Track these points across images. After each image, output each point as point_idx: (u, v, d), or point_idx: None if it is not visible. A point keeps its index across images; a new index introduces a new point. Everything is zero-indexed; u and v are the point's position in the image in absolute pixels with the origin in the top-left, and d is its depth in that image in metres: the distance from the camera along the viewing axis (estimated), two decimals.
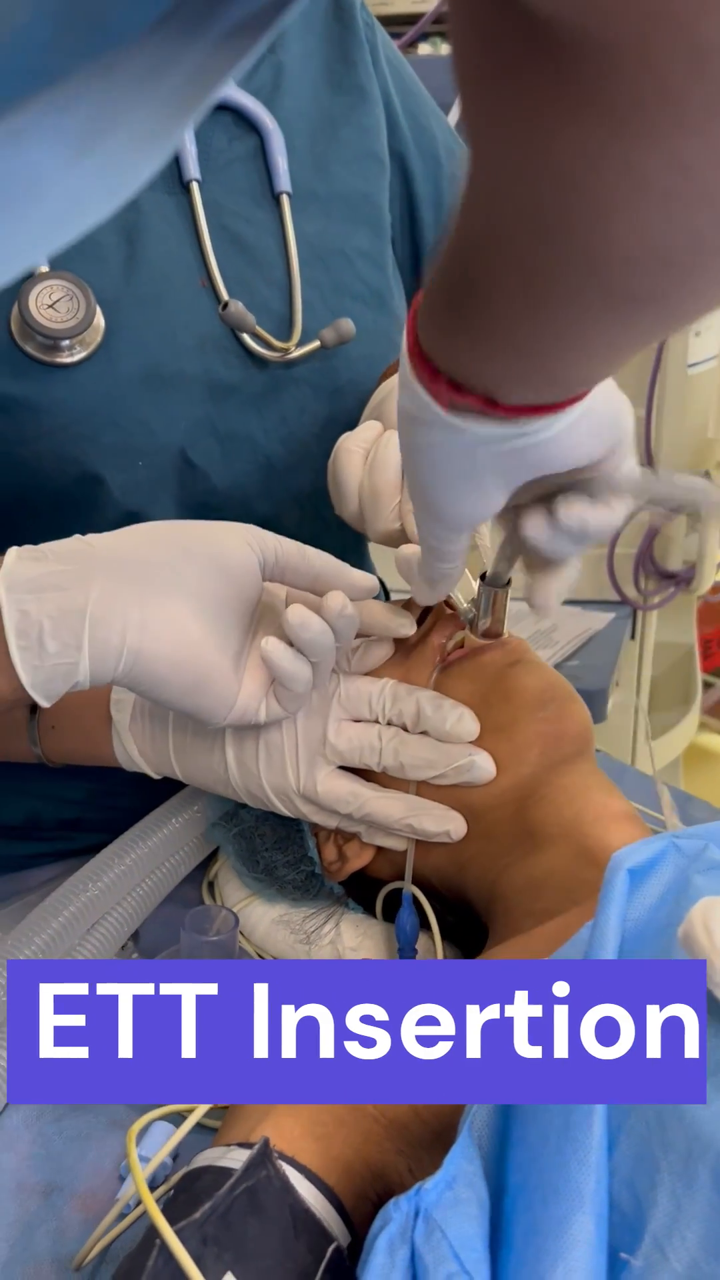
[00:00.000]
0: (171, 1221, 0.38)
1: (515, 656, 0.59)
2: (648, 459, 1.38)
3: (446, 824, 0.57)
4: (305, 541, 0.57)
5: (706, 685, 2.01)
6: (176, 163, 0.71)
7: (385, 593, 0.89)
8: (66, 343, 0.63)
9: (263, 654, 0.53)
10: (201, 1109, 0.45)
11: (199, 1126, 0.53)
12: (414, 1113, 0.45)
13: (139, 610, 0.50)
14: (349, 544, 0.85)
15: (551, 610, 0.53)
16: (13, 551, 0.51)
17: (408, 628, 0.58)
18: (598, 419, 0.42)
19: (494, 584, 0.56)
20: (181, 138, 0.60)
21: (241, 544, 0.54)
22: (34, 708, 0.63)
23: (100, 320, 0.65)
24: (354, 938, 0.62)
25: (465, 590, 0.60)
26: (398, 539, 0.62)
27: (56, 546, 0.51)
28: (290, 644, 0.53)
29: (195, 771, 0.61)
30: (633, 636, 1.43)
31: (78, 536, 0.52)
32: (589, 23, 0.22)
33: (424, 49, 1.39)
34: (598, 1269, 0.33)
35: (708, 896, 0.37)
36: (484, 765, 0.56)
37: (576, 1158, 0.35)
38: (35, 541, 0.69)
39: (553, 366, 0.36)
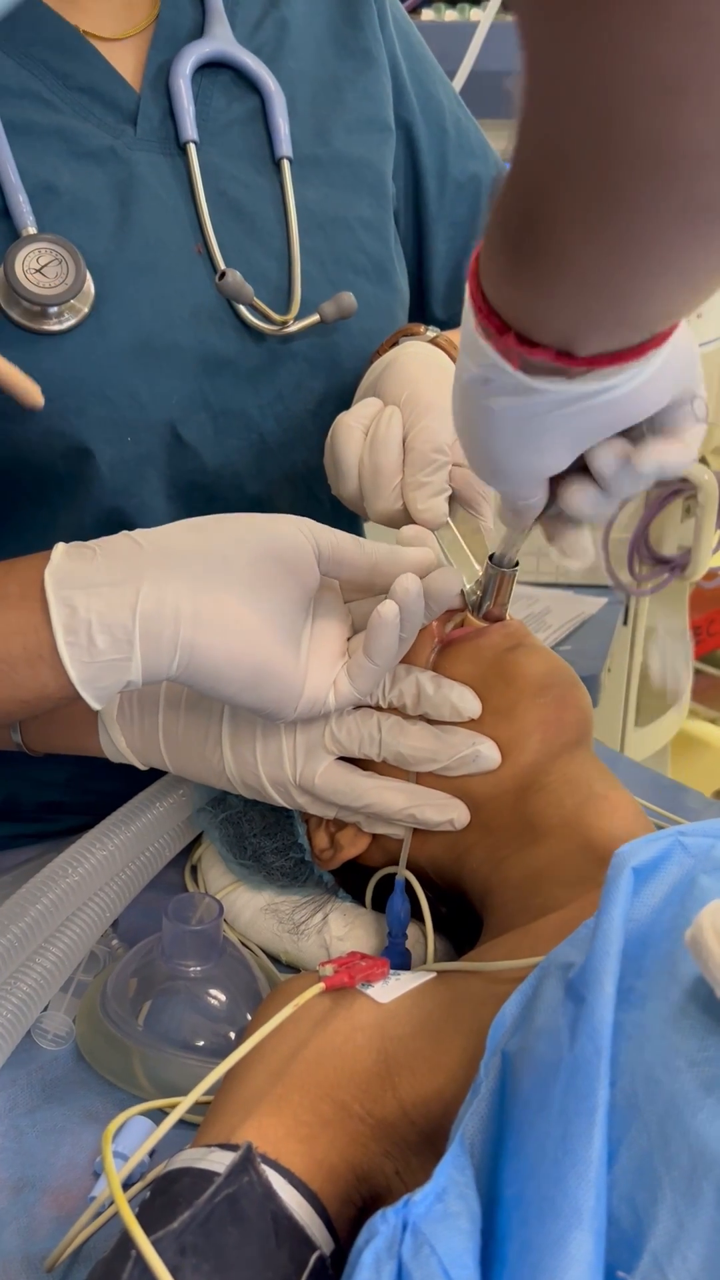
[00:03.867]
0: (148, 1227, 0.37)
1: (516, 640, 0.57)
2: None
3: (450, 813, 0.55)
4: None
5: (696, 672, 1.99)
6: (173, 121, 0.69)
7: None
8: (55, 309, 0.61)
9: (377, 616, 0.51)
10: (182, 1106, 0.43)
11: (180, 1123, 0.51)
12: (402, 1113, 0.43)
13: (191, 603, 0.48)
14: (344, 526, 0.83)
15: (591, 555, 0.50)
16: (60, 547, 0.49)
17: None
18: (678, 362, 0.38)
19: (501, 564, 0.55)
20: None
21: (295, 533, 0.52)
22: None
23: (90, 286, 0.62)
24: (341, 927, 0.61)
25: (468, 572, 0.58)
26: (399, 519, 0.60)
27: (104, 542, 0.50)
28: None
29: (187, 763, 0.59)
30: (625, 622, 1.41)
31: (125, 533, 0.51)
32: None
33: (427, 14, 1.35)
34: None
35: (717, 900, 0.35)
36: (489, 754, 0.54)
37: (575, 1172, 0.33)
38: (23, 521, 0.66)
39: (629, 302, 0.32)
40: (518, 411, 0.38)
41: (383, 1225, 0.34)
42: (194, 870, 0.70)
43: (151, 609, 0.47)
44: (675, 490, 1.38)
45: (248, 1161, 0.38)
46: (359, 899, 0.62)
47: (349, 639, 0.55)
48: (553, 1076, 0.36)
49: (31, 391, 0.52)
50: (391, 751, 0.55)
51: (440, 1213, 0.35)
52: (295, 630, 0.52)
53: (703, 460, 1.45)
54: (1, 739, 0.64)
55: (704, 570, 1.44)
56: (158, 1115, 0.49)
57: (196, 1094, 0.43)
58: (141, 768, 0.61)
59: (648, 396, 0.38)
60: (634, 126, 0.24)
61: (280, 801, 0.57)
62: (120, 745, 0.60)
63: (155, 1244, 0.35)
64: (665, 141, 0.24)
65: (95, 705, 0.49)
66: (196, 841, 0.70)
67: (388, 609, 0.50)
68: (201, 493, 0.69)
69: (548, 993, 0.40)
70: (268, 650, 0.50)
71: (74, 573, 0.48)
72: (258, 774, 0.57)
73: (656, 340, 0.36)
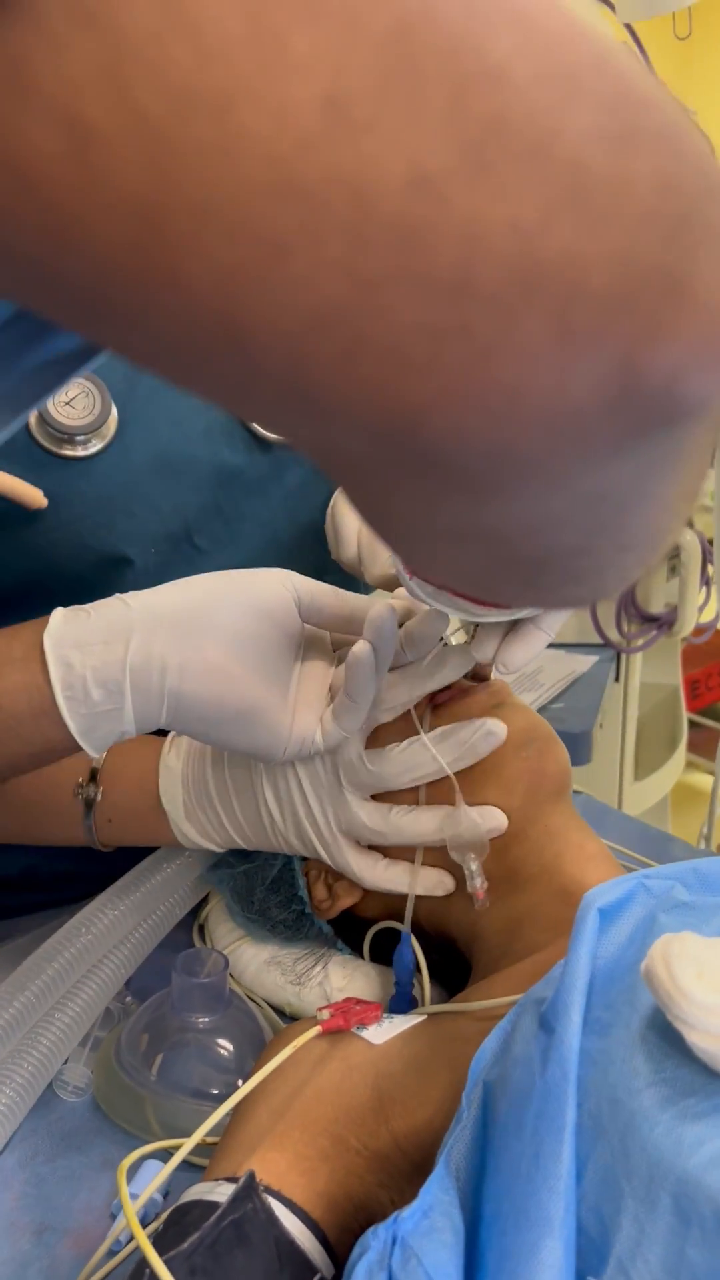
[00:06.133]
0: (161, 1254, 0.40)
1: (499, 699, 0.61)
2: None
3: (489, 821, 0.57)
4: None
5: (694, 725, 2.03)
6: None
7: None
8: (82, 438, 0.66)
9: (352, 656, 0.55)
10: (190, 1142, 0.46)
11: (188, 1164, 0.55)
12: (395, 1145, 0.46)
13: (177, 655, 0.52)
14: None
15: (514, 669, 0.55)
16: (58, 611, 0.54)
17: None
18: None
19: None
20: None
21: (276, 584, 0.56)
22: (88, 803, 0.65)
23: (115, 413, 0.67)
24: (341, 979, 0.64)
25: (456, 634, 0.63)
26: (395, 583, 0.64)
27: (97, 605, 0.54)
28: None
29: (252, 835, 0.63)
30: (616, 679, 1.46)
31: (117, 596, 0.55)
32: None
33: None
34: None
35: (668, 935, 0.39)
36: (497, 729, 0.57)
37: (546, 1186, 0.37)
38: None
39: (426, 565, 0.38)
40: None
41: (374, 1240, 0.38)
42: (201, 929, 0.73)
43: (139, 662, 0.52)
44: None
45: (251, 1189, 0.42)
46: (357, 950, 0.66)
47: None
48: (526, 1101, 0.40)
49: (33, 496, 0.57)
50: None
51: (426, 1228, 0.38)
52: (282, 675, 0.56)
53: (688, 522, 1.51)
54: (74, 838, 0.67)
55: (691, 627, 1.49)
56: (167, 1157, 0.53)
57: (203, 1131, 0.47)
58: (221, 849, 0.65)
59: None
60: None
61: (321, 851, 0.61)
62: (196, 838, 0.64)
63: (167, 1264, 0.38)
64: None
65: (94, 754, 0.53)
66: (203, 903, 0.73)
67: (360, 648, 0.55)
68: None
69: (524, 1026, 0.44)
70: (252, 694, 0.54)
71: (70, 633, 0.52)
72: (301, 827, 0.61)
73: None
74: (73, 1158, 0.57)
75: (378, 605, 0.57)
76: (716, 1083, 0.37)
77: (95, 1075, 0.61)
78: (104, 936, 0.63)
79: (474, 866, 0.56)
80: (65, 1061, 0.61)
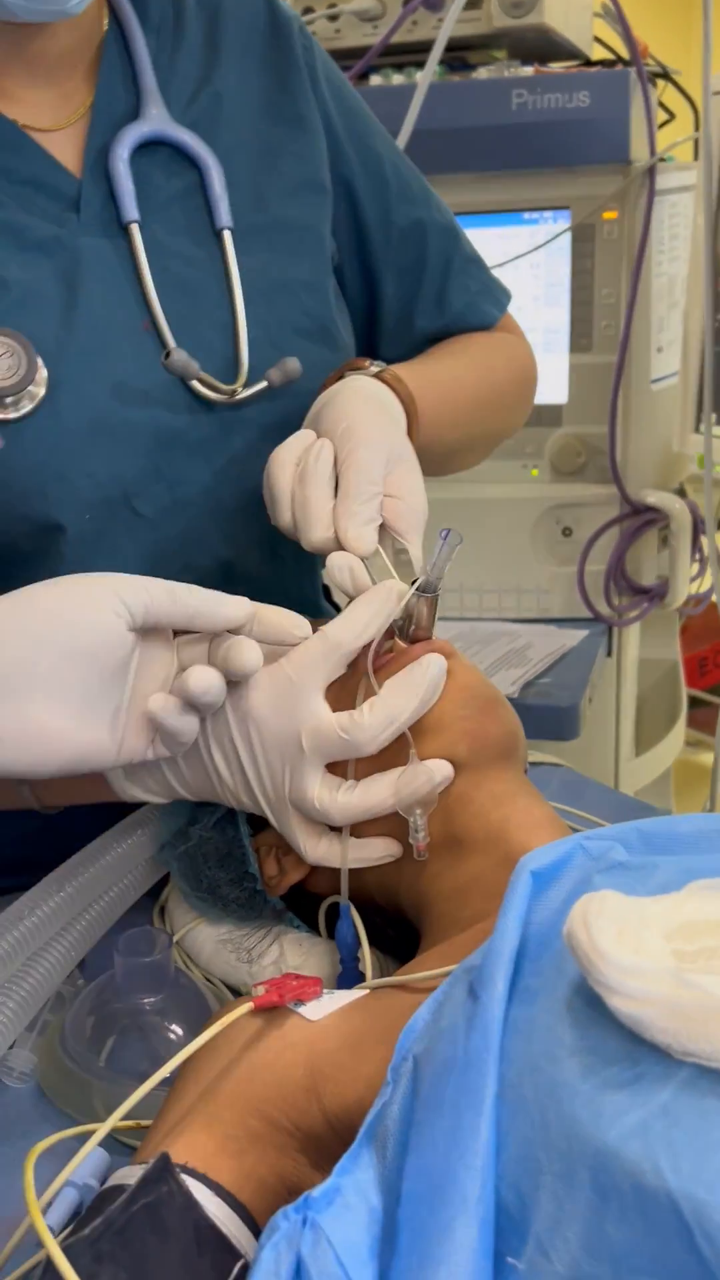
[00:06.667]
0: (69, 1240, 0.38)
1: (442, 656, 0.59)
2: (614, 476, 1.39)
3: (440, 772, 0.56)
4: (267, 581, 0.56)
5: (696, 702, 2.00)
6: (114, 204, 0.72)
7: (336, 607, 0.89)
8: (10, 399, 0.64)
9: (151, 715, 0.53)
10: (104, 1128, 0.45)
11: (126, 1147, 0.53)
12: (327, 1124, 0.44)
13: None
14: (304, 571, 0.85)
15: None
16: None
17: (303, 630, 0.57)
18: None
19: (424, 590, 0.58)
20: None
21: (102, 610, 0.52)
22: None
23: (44, 374, 0.65)
24: (296, 955, 0.62)
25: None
26: (332, 547, 0.62)
27: None
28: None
29: (197, 788, 0.61)
30: (609, 654, 1.43)
31: None
32: None
33: (375, 79, 1.41)
34: (481, 1273, 0.33)
35: (588, 894, 0.37)
36: (435, 659, 0.56)
37: (463, 1163, 0.35)
38: None
39: None
40: None
41: (283, 1221, 0.36)
42: (163, 911, 0.72)
43: None
44: (648, 521, 1.41)
45: (164, 1172, 0.40)
46: (314, 927, 0.64)
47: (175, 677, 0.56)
48: (448, 1073, 0.38)
49: None
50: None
51: (340, 1208, 0.36)
52: (107, 708, 0.53)
53: (679, 491, 1.48)
54: (15, 800, 0.65)
55: (683, 598, 1.46)
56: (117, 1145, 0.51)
57: (117, 1117, 0.45)
58: (165, 800, 0.62)
59: None
60: None
61: (271, 816, 0.59)
62: (140, 795, 0.62)
63: (68, 1250, 0.36)
64: None
65: None
66: (165, 883, 0.71)
67: (156, 708, 0.53)
68: (175, 559, 0.71)
69: (454, 996, 0.42)
70: (72, 749, 0.52)
71: None
72: (250, 790, 0.58)
73: None
74: (16, 1144, 0.56)
75: (221, 617, 0.55)
76: (641, 1051, 0.34)
77: (40, 1061, 0.59)
78: (50, 920, 0.61)
79: (420, 821, 0.54)
80: (11, 1046, 0.59)
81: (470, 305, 0.89)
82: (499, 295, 0.92)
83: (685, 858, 0.42)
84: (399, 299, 0.86)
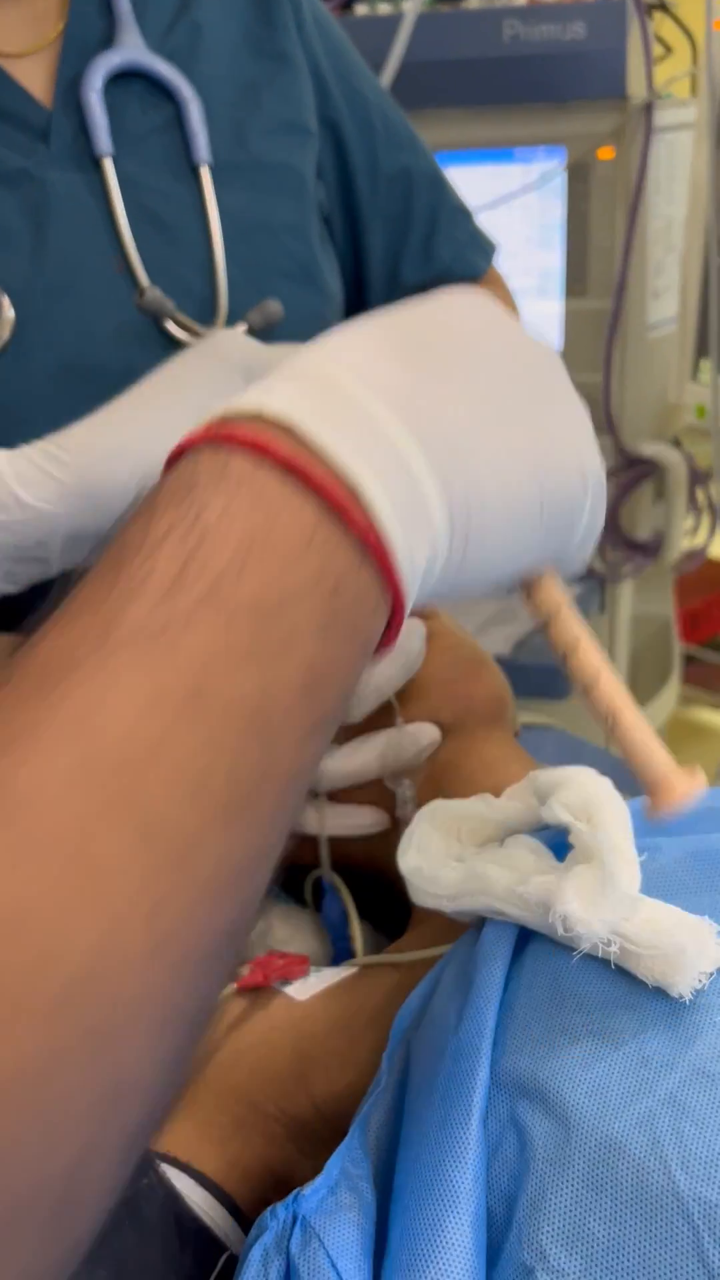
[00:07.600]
0: None
1: (426, 615, 0.57)
2: (608, 427, 1.35)
3: (424, 738, 0.53)
4: None
5: (690, 659, 1.98)
6: (86, 136, 0.68)
7: None
8: None
9: None
10: None
11: None
12: (316, 1111, 0.43)
13: None
14: None
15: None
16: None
17: None
18: None
19: None
20: None
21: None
22: None
23: (9, 313, 0.62)
24: (285, 930, 0.60)
25: None
26: None
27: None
28: None
29: None
30: (601, 610, 1.41)
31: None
32: None
33: (361, 9, 1.35)
34: (473, 1272, 0.31)
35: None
36: (414, 621, 0.54)
37: (452, 1155, 0.33)
38: None
39: None
40: None
41: (272, 1221, 0.34)
42: None
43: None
44: (643, 473, 1.38)
45: (145, 1163, 0.38)
46: (299, 899, 0.62)
47: None
48: (439, 1061, 0.36)
49: None
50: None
51: (331, 1205, 0.34)
52: None
53: (675, 442, 1.45)
54: None
55: (678, 553, 1.44)
56: None
57: None
58: None
59: None
60: None
61: None
62: None
63: None
64: None
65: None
66: None
67: None
68: None
69: (448, 978, 0.40)
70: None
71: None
72: None
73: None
74: None
75: None
76: (646, 1036, 0.33)
77: None
78: None
79: (409, 794, 0.52)
80: None
81: (457, 256, 0.85)
82: (485, 246, 0.89)
83: (690, 838, 0.40)
84: (386, 248, 0.83)
